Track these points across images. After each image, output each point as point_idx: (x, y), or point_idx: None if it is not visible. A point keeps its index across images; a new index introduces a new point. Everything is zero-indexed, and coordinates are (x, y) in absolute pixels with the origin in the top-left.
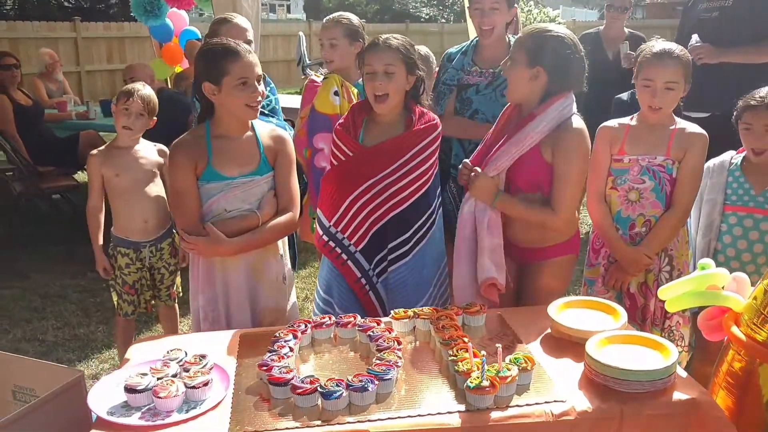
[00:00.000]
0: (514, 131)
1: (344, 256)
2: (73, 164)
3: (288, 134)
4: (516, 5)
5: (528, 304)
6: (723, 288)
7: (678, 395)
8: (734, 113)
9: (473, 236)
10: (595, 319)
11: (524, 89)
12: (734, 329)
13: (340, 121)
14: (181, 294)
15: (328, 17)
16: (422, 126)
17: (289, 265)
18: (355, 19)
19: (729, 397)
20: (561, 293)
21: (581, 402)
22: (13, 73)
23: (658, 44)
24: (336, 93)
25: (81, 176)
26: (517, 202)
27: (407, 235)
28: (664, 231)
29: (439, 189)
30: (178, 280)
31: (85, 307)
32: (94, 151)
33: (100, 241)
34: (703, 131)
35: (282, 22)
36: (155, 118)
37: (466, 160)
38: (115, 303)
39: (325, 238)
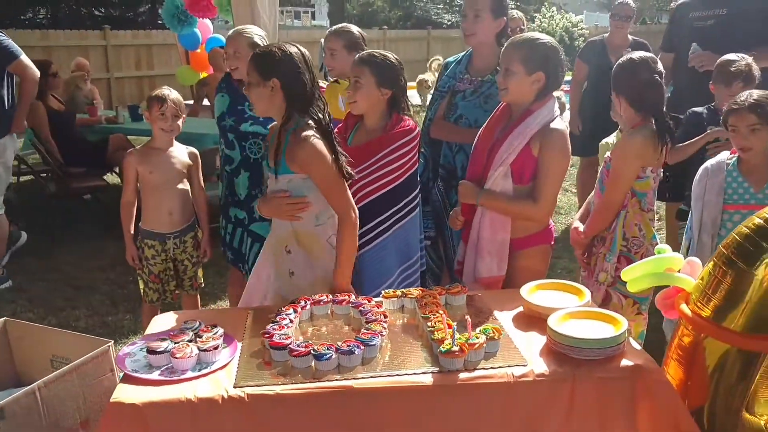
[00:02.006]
0: (514, 126)
1: None
2: (102, 166)
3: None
4: (504, 17)
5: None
6: (679, 271)
7: (626, 362)
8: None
9: (482, 233)
10: (561, 299)
11: (527, 94)
12: (683, 306)
13: (339, 125)
14: (203, 285)
15: (330, 29)
16: (394, 131)
17: (302, 262)
18: (355, 30)
19: (679, 368)
20: (539, 278)
21: (540, 366)
22: (56, 81)
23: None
24: (341, 101)
25: (110, 178)
26: (499, 198)
27: (368, 227)
28: (592, 216)
29: (416, 191)
30: (201, 272)
31: (114, 297)
32: (132, 150)
33: (132, 233)
34: None
35: (306, 29)
36: (184, 116)
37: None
38: (142, 291)
39: None
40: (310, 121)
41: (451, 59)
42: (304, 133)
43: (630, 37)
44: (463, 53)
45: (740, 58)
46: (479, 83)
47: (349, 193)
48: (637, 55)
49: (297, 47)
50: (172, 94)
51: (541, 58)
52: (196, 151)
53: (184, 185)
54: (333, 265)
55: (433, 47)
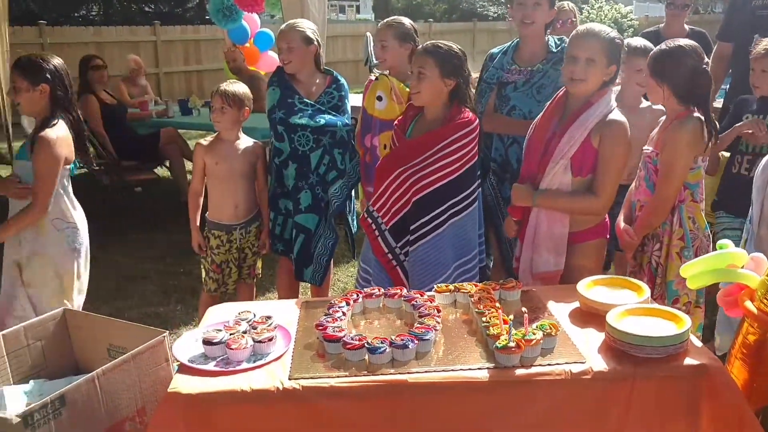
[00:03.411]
0: (574, 118)
1: (376, 233)
2: (153, 159)
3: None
4: (555, 7)
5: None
6: (742, 267)
7: (689, 361)
8: None
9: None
10: (620, 295)
11: (598, 85)
12: (747, 303)
13: (399, 116)
14: (260, 275)
15: (382, 22)
16: (453, 123)
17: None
18: (406, 22)
19: (743, 368)
20: (594, 274)
21: (598, 363)
22: (102, 74)
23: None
24: (379, 98)
25: (160, 171)
26: (557, 196)
27: (425, 219)
28: (644, 215)
29: (475, 184)
30: (260, 263)
31: (165, 288)
32: (202, 141)
33: (197, 221)
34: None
35: (351, 22)
36: (247, 108)
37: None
38: (203, 279)
39: (365, 215)
40: (64, 120)
41: (495, 50)
42: (48, 128)
43: (687, 26)
44: (507, 44)
45: None
46: (530, 73)
47: (50, 190)
48: (684, 42)
49: (58, 58)
50: (224, 86)
51: (616, 51)
52: (263, 144)
53: (250, 177)
54: (55, 243)
55: (478, 39)
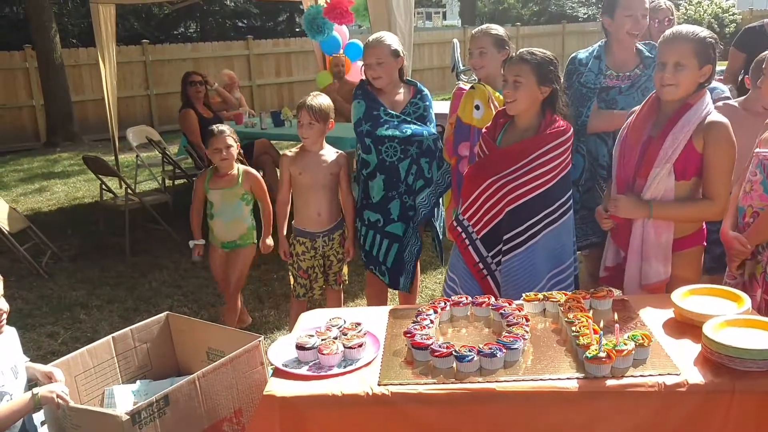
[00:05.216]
0: (674, 121)
1: (467, 242)
2: None
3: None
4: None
5: None
6: None
7: None
8: None
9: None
10: (717, 305)
11: (692, 88)
12: None
13: (488, 124)
14: (347, 281)
15: (477, 29)
16: (548, 132)
17: None
18: (502, 30)
19: None
20: (692, 283)
21: (694, 376)
22: (198, 89)
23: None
24: (477, 107)
25: None
26: (672, 206)
27: (520, 229)
28: (761, 222)
29: (569, 193)
30: (346, 269)
31: (259, 294)
32: (287, 152)
33: (285, 230)
34: None
35: (438, 29)
36: (332, 120)
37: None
38: (291, 285)
39: (455, 223)
40: None
41: (582, 55)
42: None
43: None
44: (593, 48)
45: None
46: (631, 78)
47: None
48: None
49: None
50: (309, 101)
51: (709, 51)
52: (345, 154)
53: (332, 187)
54: None
55: (568, 42)
